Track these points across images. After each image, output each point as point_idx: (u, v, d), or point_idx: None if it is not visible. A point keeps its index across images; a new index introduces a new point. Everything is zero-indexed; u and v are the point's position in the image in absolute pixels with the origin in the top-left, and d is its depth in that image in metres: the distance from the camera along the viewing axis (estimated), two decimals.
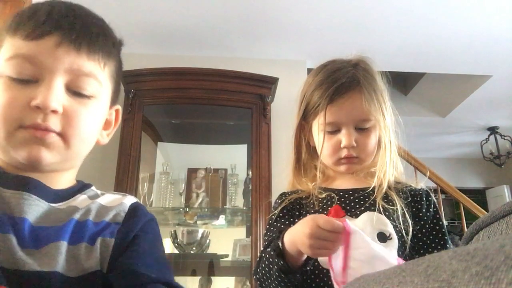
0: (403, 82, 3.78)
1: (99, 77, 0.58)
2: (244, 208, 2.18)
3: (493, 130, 3.98)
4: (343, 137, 0.82)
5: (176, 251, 2.15)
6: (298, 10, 2.09)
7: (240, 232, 2.26)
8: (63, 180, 0.61)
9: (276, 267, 0.69)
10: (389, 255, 0.60)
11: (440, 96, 3.52)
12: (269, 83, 2.15)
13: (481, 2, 2.05)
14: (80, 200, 0.60)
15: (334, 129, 0.83)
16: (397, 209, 0.77)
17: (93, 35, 0.57)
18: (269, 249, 0.73)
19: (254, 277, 0.78)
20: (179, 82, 2.14)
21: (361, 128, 0.83)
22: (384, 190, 0.79)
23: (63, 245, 0.52)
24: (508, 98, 3.19)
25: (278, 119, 2.18)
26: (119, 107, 0.69)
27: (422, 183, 0.88)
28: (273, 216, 0.86)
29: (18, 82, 0.53)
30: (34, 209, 0.53)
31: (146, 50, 2.43)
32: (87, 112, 0.57)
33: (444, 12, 2.12)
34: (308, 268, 0.74)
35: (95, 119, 0.60)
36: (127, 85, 2.09)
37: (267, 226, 0.87)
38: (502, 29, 2.27)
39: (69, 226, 0.54)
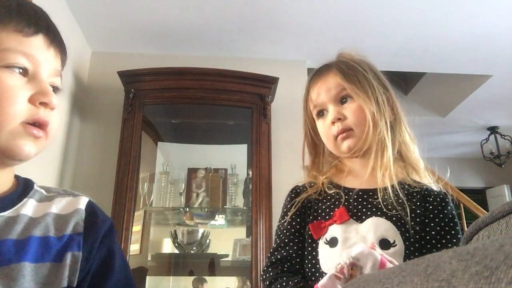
0: (403, 82, 3.78)
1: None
2: (244, 208, 2.18)
3: (493, 129, 3.98)
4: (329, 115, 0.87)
5: (176, 251, 2.15)
6: (298, 10, 2.09)
7: (240, 232, 2.26)
8: (3, 179, 0.57)
9: None
10: None
11: (440, 96, 3.52)
12: (269, 83, 2.15)
13: (481, 2, 2.05)
14: (30, 206, 0.57)
15: (321, 110, 0.89)
16: (402, 209, 0.75)
17: (62, 39, 0.61)
18: None
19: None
20: (179, 82, 2.14)
21: (344, 101, 0.86)
22: (390, 192, 0.77)
23: (25, 266, 0.50)
24: (508, 98, 3.19)
25: (278, 119, 2.18)
26: None
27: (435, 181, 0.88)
28: (285, 217, 0.85)
29: (13, 74, 0.53)
30: None
31: (146, 50, 2.43)
32: (59, 105, 0.61)
33: (444, 11, 2.12)
34: (309, 272, 0.75)
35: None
36: (127, 85, 2.09)
37: (278, 231, 0.86)
38: (502, 28, 2.26)
39: (31, 245, 0.53)
